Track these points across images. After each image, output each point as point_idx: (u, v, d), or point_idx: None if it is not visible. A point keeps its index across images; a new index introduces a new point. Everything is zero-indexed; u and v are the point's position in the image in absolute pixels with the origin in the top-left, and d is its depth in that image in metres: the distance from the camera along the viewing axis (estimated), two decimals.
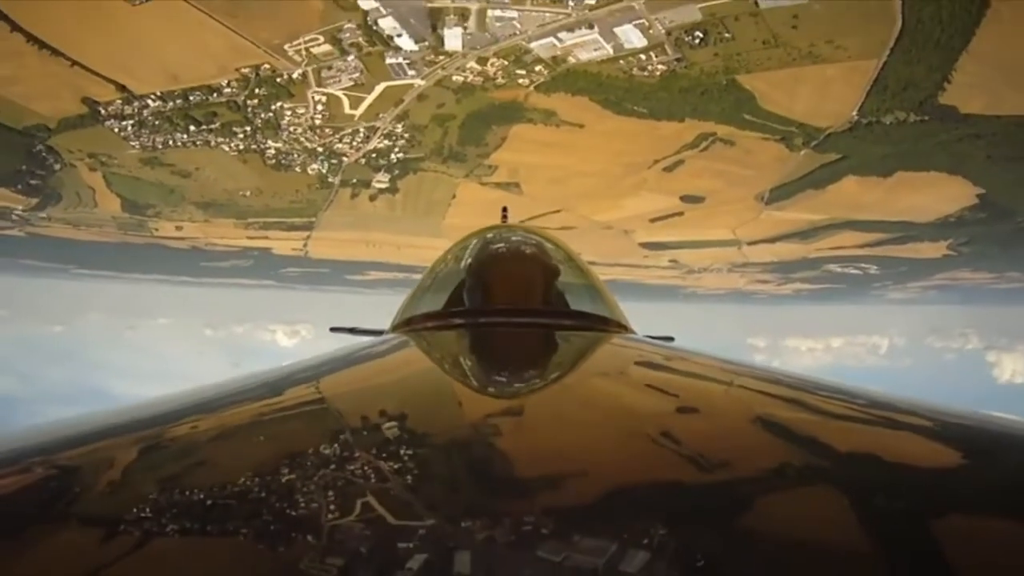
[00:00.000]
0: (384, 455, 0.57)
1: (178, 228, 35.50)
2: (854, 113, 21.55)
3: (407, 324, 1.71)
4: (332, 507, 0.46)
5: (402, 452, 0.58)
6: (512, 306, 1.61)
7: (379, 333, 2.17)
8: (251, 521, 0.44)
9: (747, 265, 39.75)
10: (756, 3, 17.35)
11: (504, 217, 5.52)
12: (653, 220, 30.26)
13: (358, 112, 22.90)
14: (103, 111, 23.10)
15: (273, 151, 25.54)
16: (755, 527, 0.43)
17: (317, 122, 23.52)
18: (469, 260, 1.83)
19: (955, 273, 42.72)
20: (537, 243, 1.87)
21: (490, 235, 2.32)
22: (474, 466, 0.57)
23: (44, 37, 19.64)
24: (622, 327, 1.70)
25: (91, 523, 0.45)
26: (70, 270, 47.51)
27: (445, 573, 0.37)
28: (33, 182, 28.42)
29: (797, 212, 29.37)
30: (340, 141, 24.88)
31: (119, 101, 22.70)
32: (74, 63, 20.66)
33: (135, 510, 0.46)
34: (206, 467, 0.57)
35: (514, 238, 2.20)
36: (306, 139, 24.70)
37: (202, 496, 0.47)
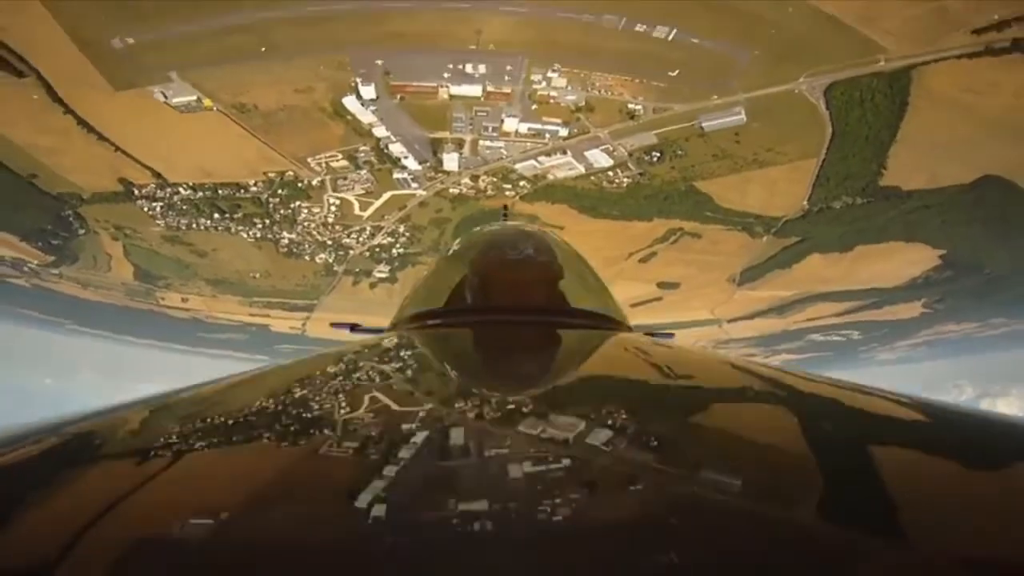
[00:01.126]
0: (385, 452, 0.59)
1: (184, 300, 38.71)
2: (804, 203, 25.58)
3: (408, 321, 1.78)
4: (326, 505, 0.48)
5: (405, 449, 0.60)
6: (515, 303, 1.65)
7: (380, 331, 2.25)
8: (244, 517, 0.46)
9: (730, 341, 42.86)
10: (701, 127, 21.85)
11: (504, 216, 5.80)
12: (634, 305, 33.31)
13: (366, 214, 27.38)
14: (136, 191, 26.91)
15: (287, 241, 29.68)
16: (753, 524, 0.45)
17: (330, 220, 27.93)
18: (470, 257, 1.87)
19: (939, 328, 46.03)
20: (540, 240, 1.92)
21: (492, 232, 2.36)
22: (479, 464, 0.58)
23: (94, 124, 23.54)
24: (624, 325, 1.77)
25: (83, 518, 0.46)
26: (66, 325, 48.75)
27: (439, 570, 0.39)
28: (55, 242, 31.46)
29: (769, 290, 32.85)
30: (348, 236, 29.22)
31: (153, 185, 26.62)
32: (117, 149, 24.58)
33: (134, 508, 0.48)
34: (196, 466, 0.58)
35: (516, 235, 2.24)
36: (318, 233, 28.92)
37: (191, 495, 0.50)
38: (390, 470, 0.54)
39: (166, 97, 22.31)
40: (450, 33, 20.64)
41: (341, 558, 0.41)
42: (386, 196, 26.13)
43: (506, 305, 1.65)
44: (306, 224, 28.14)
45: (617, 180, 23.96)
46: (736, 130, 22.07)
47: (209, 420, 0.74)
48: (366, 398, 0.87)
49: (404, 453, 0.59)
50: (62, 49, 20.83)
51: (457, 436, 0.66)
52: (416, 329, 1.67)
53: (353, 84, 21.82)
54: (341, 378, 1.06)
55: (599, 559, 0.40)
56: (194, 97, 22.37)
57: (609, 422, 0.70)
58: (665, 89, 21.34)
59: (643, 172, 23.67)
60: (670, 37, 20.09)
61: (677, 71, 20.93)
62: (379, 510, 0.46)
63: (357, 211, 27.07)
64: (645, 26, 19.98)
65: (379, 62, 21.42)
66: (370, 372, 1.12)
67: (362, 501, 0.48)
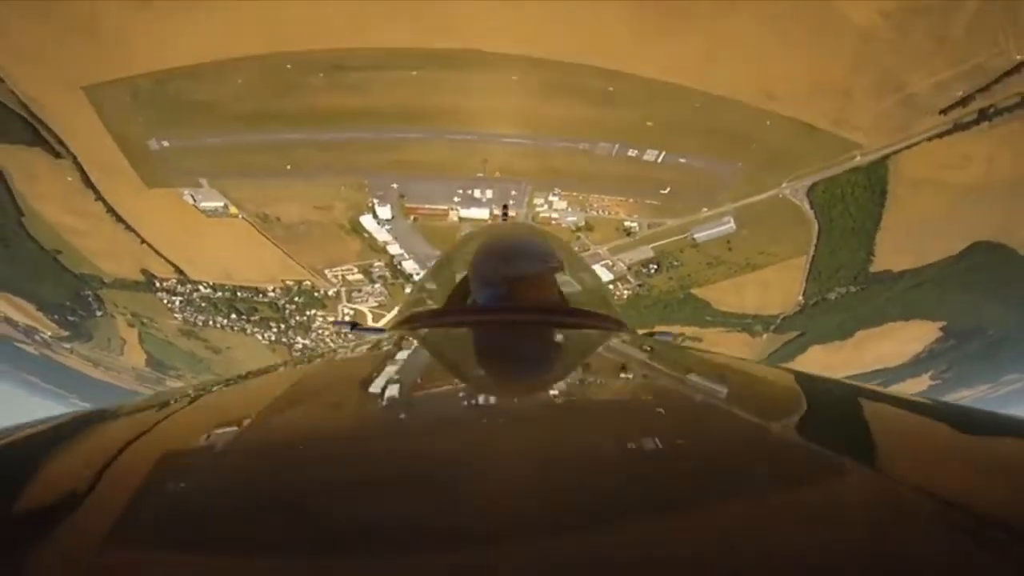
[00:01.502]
0: (384, 450, 0.59)
1: None
2: (799, 298, 26.63)
3: (409, 321, 1.74)
4: (322, 505, 0.47)
5: (403, 445, 0.61)
6: (515, 303, 1.62)
7: (380, 330, 2.25)
8: (239, 523, 0.45)
9: None
10: (694, 239, 23.49)
11: (504, 215, 5.82)
12: None
13: (379, 325, 28.26)
14: (157, 283, 28.01)
15: (300, 346, 30.53)
16: (751, 520, 0.44)
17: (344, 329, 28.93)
18: (471, 257, 1.81)
19: (952, 396, 45.38)
20: (540, 241, 1.86)
21: (492, 232, 2.32)
22: (479, 460, 0.58)
23: (123, 214, 24.90)
24: (624, 326, 1.76)
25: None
26: (69, 399, 48.57)
27: (436, 568, 0.38)
28: (71, 318, 31.88)
29: None
30: None
31: (174, 280, 27.76)
32: (143, 241, 25.90)
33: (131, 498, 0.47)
34: (193, 467, 0.56)
35: (517, 235, 2.21)
36: (331, 340, 29.81)
37: (181, 500, 0.48)
38: (389, 465, 0.56)
39: (195, 200, 24.05)
40: (459, 162, 22.74)
41: (336, 547, 0.40)
42: (398, 308, 27.72)
43: (506, 305, 1.64)
44: (320, 331, 29.29)
45: (618, 292, 25.25)
46: (727, 238, 23.69)
47: (209, 421, 0.74)
48: (364, 396, 0.88)
49: (403, 450, 0.60)
50: (100, 141, 22.57)
51: (457, 433, 0.67)
52: (416, 329, 1.68)
53: (370, 204, 23.81)
54: (341, 375, 1.06)
55: (594, 549, 0.40)
56: (221, 204, 24.16)
57: (610, 419, 0.72)
58: (658, 206, 23.15)
59: (642, 283, 25.11)
60: (659, 159, 22.16)
61: (668, 189, 22.80)
62: (375, 504, 0.48)
63: (370, 322, 28.59)
64: (636, 151, 22.06)
65: (395, 186, 23.44)
66: (369, 370, 1.12)
67: (358, 495, 0.50)
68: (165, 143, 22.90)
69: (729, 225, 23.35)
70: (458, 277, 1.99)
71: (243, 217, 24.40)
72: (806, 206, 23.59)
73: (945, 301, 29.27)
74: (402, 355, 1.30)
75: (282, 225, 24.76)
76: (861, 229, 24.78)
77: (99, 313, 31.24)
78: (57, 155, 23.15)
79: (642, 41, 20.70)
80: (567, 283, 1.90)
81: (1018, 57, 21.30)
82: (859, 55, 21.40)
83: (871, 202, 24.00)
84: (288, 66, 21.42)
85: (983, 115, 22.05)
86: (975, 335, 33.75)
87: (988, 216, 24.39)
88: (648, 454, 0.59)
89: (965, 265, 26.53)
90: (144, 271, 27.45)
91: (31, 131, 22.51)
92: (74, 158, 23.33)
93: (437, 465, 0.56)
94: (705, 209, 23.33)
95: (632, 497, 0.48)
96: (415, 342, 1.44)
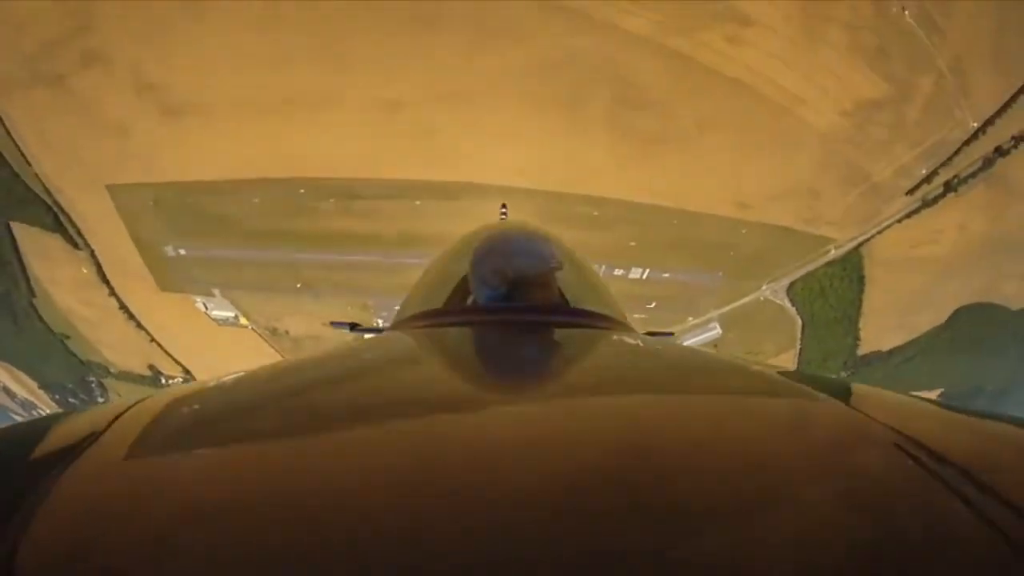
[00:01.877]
0: (382, 452, 0.58)
1: None
2: None
3: (408, 321, 1.72)
4: (315, 508, 0.47)
5: (402, 449, 0.59)
6: (515, 302, 1.58)
7: (379, 330, 2.15)
8: (226, 530, 0.44)
9: None
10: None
11: (503, 215, 5.75)
12: None
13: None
14: (164, 381, 27.93)
15: None
16: (753, 522, 0.44)
17: None
18: (471, 256, 1.74)
19: None
20: (540, 240, 1.80)
21: (492, 232, 2.26)
22: (478, 458, 0.57)
23: (135, 311, 25.57)
24: (625, 325, 1.76)
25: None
26: None
27: (432, 570, 0.38)
28: (73, 400, 30.81)
29: None
30: None
31: (180, 379, 27.67)
32: (153, 340, 26.41)
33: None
34: (194, 467, 0.56)
35: (517, 235, 2.11)
36: None
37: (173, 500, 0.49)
38: (391, 465, 0.55)
39: (206, 308, 25.00)
40: None
41: (332, 546, 0.40)
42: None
43: (506, 304, 1.61)
44: None
45: None
46: (715, 343, 24.74)
47: (206, 419, 0.74)
48: (363, 394, 0.89)
49: (405, 449, 0.59)
50: (119, 241, 23.51)
51: (456, 431, 0.66)
52: (415, 328, 1.65)
53: (376, 324, 25.25)
54: (341, 373, 1.06)
55: (593, 544, 0.40)
56: (232, 314, 25.16)
57: (613, 418, 0.72)
58: (646, 319, 24.40)
59: None
60: (644, 276, 23.82)
61: (654, 303, 24.29)
62: (373, 506, 0.48)
63: None
64: (622, 270, 23.69)
65: (398, 307, 24.94)
66: (369, 368, 1.12)
67: (357, 498, 0.49)
68: (182, 251, 24.15)
69: (715, 331, 24.67)
70: (457, 277, 1.95)
71: (252, 328, 25.45)
72: (787, 304, 24.86)
73: (939, 369, 29.22)
74: (402, 354, 1.31)
75: (290, 338, 25.80)
76: (844, 317, 25.75)
77: (101, 400, 30.62)
78: (75, 246, 23.95)
79: (622, 168, 22.63)
80: (568, 282, 1.87)
81: (975, 124, 22.23)
82: (823, 155, 22.97)
83: (850, 290, 25.04)
84: (302, 190, 23.08)
85: (948, 187, 22.85)
86: (974, 396, 33.21)
87: (968, 280, 25.03)
88: (651, 452, 0.60)
89: (953, 332, 26.91)
90: (151, 367, 27.94)
91: (52, 217, 23.27)
92: (92, 252, 24.22)
93: (441, 464, 0.57)
94: (691, 318, 24.71)
95: (634, 495, 0.49)
96: (415, 341, 1.45)
